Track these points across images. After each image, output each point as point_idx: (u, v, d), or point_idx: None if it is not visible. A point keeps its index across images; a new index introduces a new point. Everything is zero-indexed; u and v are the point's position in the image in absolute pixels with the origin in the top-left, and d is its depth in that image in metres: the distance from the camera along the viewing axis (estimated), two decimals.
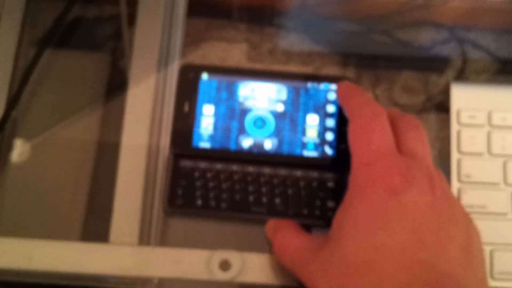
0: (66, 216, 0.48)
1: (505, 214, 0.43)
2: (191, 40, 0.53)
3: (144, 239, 0.45)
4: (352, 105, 0.41)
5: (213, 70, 0.47)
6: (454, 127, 0.46)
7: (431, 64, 0.52)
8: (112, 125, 0.49)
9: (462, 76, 0.51)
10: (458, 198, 0.44)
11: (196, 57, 0.52)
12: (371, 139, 0.38)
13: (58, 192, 0.48)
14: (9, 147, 0.49)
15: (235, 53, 0.52)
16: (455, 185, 0.45)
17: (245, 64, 0.51)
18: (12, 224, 0.47)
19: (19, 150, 0.49)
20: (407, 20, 0.53)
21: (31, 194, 0.48)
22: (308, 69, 0.51)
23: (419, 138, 0.40)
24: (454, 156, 0.45)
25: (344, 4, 0.53)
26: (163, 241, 0.46)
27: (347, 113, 0.41)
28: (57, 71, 0.51)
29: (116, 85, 0.50)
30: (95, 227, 0.47)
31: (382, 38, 0.53)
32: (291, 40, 0.53)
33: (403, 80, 0.51)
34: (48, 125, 0.50)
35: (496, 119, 0.45)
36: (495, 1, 0.52)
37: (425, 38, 0.53)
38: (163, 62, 0.50)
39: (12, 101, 0.48)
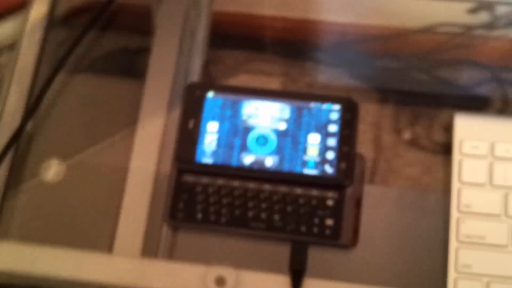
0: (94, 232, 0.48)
1: (505, 246, 0.42)
2: (230, 72, 0.53)
3: (150, 252, 0.47)
4: None
5: (219, 88, 0.48)
6: (456, 156, 0.45)
7: (471, 103, 0.51)
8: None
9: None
10: (457, 228, 0.43)
11: None
12: None
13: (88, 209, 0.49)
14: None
15: (272, 86, 0.52)
16: (454, 214, 0.44)
17: None
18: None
19: (54, 169, 0.50)
20: (447, 58, 0.53)
21: (62, 211, 0.49)
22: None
23: None
24: (455, 185, 0.44)
25: (384, 40, 0.53)
26: (171, 254, 0.47)
27: None
28: (93, 95, 0.53)
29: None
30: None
31: (422, 76, 0.53)
32: (330, 74, 0.53)
33: (443, 119, 0.50)
34: (83, 147, 0.51)
35: (499, 150, 0.45)
36: None
37: (465, 77, 0.52)
38: (178, 89, 0.51)
39: (26, 117, 0.50)
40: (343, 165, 0.45)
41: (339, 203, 0.45)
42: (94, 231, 0.48)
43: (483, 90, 0.52)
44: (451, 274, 0.42)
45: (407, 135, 0.50)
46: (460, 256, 0.42)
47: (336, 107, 0.47)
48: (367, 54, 0.54)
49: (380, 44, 0.53)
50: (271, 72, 0.53)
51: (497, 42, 0.52)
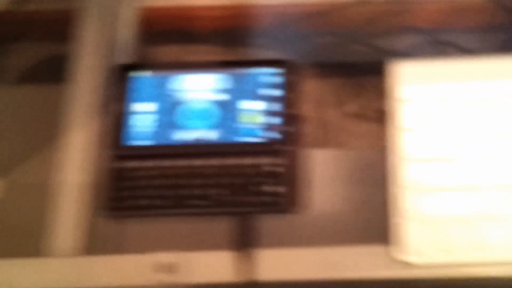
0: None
1: (450, 188, 0.42)
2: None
3: (94, 249, 0.44)
4: None
5: (147, 67, 0.46)
6: (392, 103, 0.45)
7: None
8: None
9: None
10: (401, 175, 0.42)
11: None
12: None
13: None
14: None
15: None
16: (395, 161, 0.43)
17: None
18: None
19: None
20: (384, 27, 0.53)
21: None
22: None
23: None
24: (395, 133, 0.44)
25: (321, 17, 0.53)
26: (117, 249, 0.44)
27: None
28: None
29: None
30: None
31: (362, 47, 0.53)
32: (272, 57, 0.53)
33: None
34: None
35: (435, 92, 0.44)
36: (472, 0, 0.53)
37: (404, 43, 0.53)
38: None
39: None
40: (289, 129, 0.44)
41: (285, 168, 0.43)
42: (30, 239, 0.46)
43: (423, 53, 0.52)
44: (399, 222, 0.41)
45: (352, 107, 0.50)
46: (407, 202, 0.41)
47: (273, 71, 0.45)
48: (306, 32, 0.54)
49: (317, 20, 0.53)
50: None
51: (430, 5, 0.53)
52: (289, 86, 0.45)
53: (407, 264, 0.40)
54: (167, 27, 0.55)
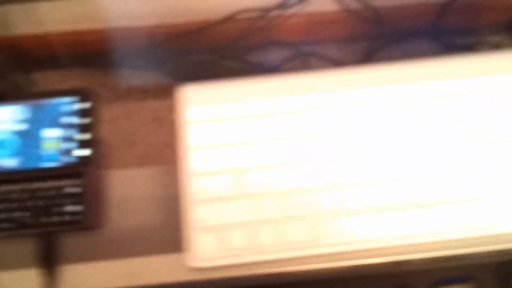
0: None
1: (232, 197, 0.46)
2: None
3: None
4: None
5: None
6: (180, 123, 0.49)
7: None
8: None
9: None
10: (190, 188, 0.46)
11: None
12: None
13: None
14: None
15: None
16: (185, 176, 0.47)
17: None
18: None
19: None
20: (253, 42, 0.55)
21: None
22: (167, 103, 0.52)
23: None
24: (182, 150, 0.48)
25: (191, 36, 0.55)
26: None
27: None
28: None
29: None
30: None
31: (232, 63, 0.55)
32: (146, 77, 0.54)
33: None
34: None
35: (222, 112, 0.49)
36: (329, 12, 0.56)
37: (272, 56, 0.55)
38: None
39: None
40: (83, 153, 0.47)
41: (83, 189, 0.46)
42: None
43: (290, 65, 0.55)
44: (188, 232, 0.45)
45: None
46: (195, 213, 0.45)
47: (71, 99, 0.48)
48: (177, 52, 0.56)
49: (188, 39, 0.55)
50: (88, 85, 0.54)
51: (293, 19, 0.55)
52: (85, 112, 0.48)
53: (196, 269, 0.45)
54: (43, 54, 0.55)
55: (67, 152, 0.47)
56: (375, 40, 0.57)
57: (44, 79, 0.55)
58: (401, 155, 0.47)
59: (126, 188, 0.49)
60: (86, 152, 0.47)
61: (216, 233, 0.45)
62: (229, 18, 0.55)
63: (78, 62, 0.55)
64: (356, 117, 0.49)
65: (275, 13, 0.55)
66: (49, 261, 0.46)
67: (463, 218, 0.46)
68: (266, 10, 0.55)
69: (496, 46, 0.56)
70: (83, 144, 0.47)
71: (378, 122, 0.49)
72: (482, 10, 0.57)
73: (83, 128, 0.48)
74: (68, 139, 0.47)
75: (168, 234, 0.46)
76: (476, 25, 0.58)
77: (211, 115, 0.49)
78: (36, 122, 0.48)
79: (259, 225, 0.45)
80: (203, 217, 0.45)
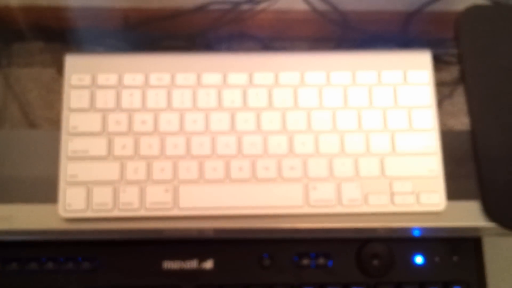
0: None
1: (104, 156, 0.52)
2: (25, 63, 0.56)
3: None
4: None
5: None
6: (66, 89, 0.53)
7: None
8: None
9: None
10: (66, 146, 0.52)
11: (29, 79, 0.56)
12: None
13: None
14: None
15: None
16: (64, 136, 0.52)
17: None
18: None
19: None
20: (222, 34, 0.58)
21: None
22: None
23: None
24: (65, 113, 0.53)
25: (164, 22, 0.58)
26: None
27: None
28: None
29: None
30: None
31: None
32: None
33: None
34: None
35: (99, 80, 0.53)
36: (298, 11, 0.58)
37: (240, 49, 0.58)
38: None
39: None
40: None
41: None
42: None
43: None
44: (61, 185, 0.51)
45: None
46: (68, 169, 0.51)
47: None
48: (150, 36, 0.58)
49: (160, 25, 0.58)
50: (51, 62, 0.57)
51: (262, 14, 0.58)
52: None
53: (65, 219, 0.51)
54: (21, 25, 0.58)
55: None
56: (342, 43, 0.59)
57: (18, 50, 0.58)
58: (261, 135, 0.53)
59: (16, 144, 0.54)
60: None
61: (84, 188, 0.51)
62: (201, 8, 0.58)
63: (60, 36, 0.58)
64: (220, 96, 0.54)
65: (245, 7, 0.58)
66: None
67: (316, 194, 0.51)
68: (236, 3, 0.58)
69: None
70: None
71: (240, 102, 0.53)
72: (449, 22, 0.59)
73: None
74: None
75: (47, 187, 0.52)
76: (442, 37, 0.59)
77: (91, 82, 0.53)
78: None
79: (123, 185, 0.51)
80: (74, 172, 0.51)
